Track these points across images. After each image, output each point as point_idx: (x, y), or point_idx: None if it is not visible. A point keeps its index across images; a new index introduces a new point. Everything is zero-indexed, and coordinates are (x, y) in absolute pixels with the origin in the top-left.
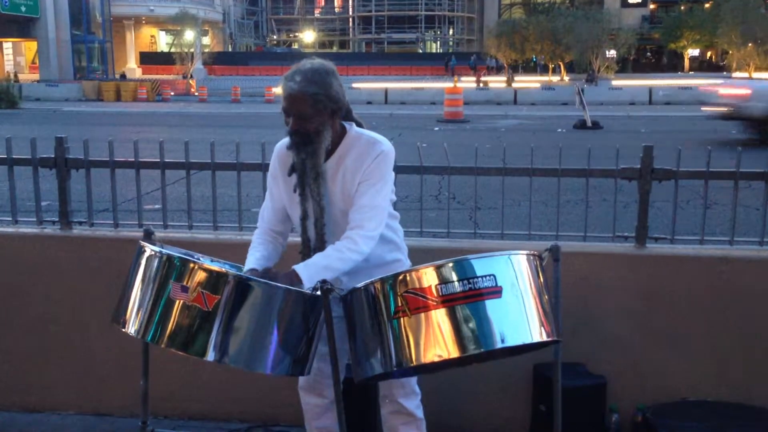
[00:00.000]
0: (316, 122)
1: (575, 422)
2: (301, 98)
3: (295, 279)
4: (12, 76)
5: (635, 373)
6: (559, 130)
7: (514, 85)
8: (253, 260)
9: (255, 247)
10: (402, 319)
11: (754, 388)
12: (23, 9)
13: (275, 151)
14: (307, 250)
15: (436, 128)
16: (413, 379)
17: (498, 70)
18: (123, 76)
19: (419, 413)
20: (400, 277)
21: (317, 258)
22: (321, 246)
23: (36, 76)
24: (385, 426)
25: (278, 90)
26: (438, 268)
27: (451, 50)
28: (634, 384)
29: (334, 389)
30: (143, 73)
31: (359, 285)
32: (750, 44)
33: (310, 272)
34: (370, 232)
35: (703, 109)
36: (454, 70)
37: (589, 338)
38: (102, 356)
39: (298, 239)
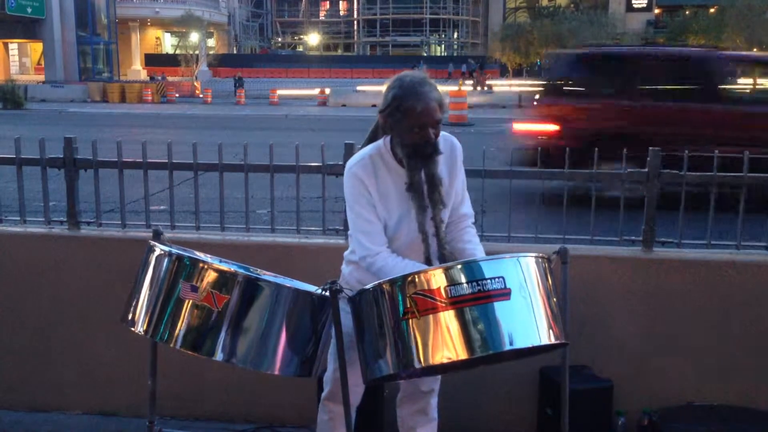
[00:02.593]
0: (440, 128)
1: (581, 425)
2: (439, 106)
3: None
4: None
5: (642, 376)
6: None
7: (515, 88)
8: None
9: (404, 259)
10: (411, 320)
11: (760, 392)
12: (29, 10)
13: (355, 170)
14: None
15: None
16: (440, 377)
17: (471, 73)
18: (152, 78)
19: (436, 413)
20: (409, 279)
21: (479, 249)
22: (443, 251)
23: (41, 77)
24: (402, 427)
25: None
26: (447, 270)
27: (455, 54)
28: (641, 387)
29: (342, 392)
30: (148, 75)
31: (368, 286)
32: (755, 49)
33: None
34: (473, 216)
35: None
36: None
37: (596, 341)
38: (109, 356)
39: (303, 241)
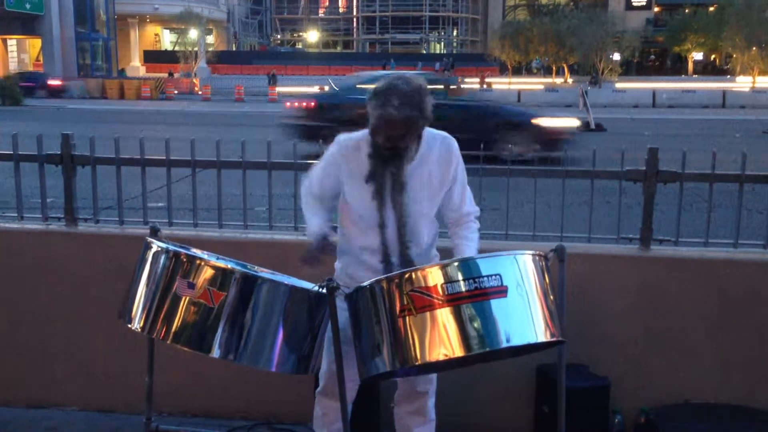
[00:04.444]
0: (408, 140)
1: (578, 424)
2: (398, 122)
3: None
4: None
5: (639, 374)
6: None
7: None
8: (319, 223)
9: (315, 211)
10: (407, 317)
11: (757, 391)
12: (28, 6)
13: (339, 143)
14: (386, 257)
15: None
16: (435, 377)
17: (444, 71)
18: (171, 74)
19: (433, 413)
20: (406, 276)
21: (470, 245)
22: (404, 251)
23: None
24: (398, 425)
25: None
26: (444, 267)
27: (455, 51)
28: (638, 386)
29: (339, 388)
30: (147, 71)
31: (365, 283)
32: (754, 48)
33: None
34: (478, 212)
35: None
36: None
37: (593, 339)
38: (107, 352)
39: (301, 238)
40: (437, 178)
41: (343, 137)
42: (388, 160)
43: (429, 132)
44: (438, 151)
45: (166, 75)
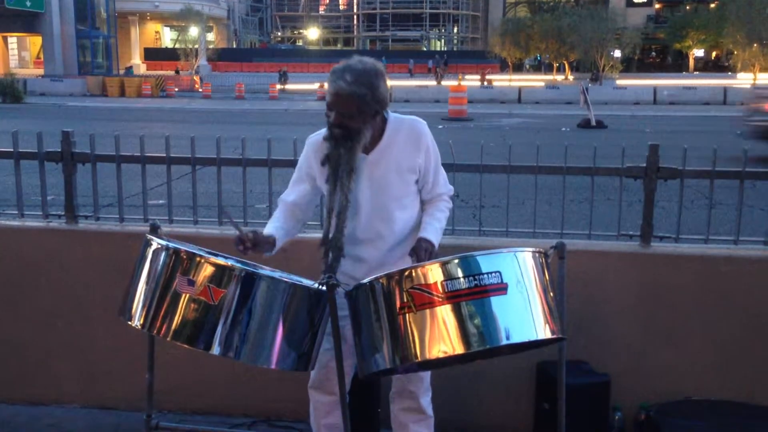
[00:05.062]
0: (359, 121)
1: (578, 420)
2: (348, 98)
3: (429, 245)
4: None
5: (639, 371)
6: (564, 129)
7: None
8: (272, 228)
9: (276, 217)
10: (407, 314)
11: (757, 387)
12: (28, 4)
13: (309, 144)
14: (325, 246)
15: (440, 126)
16: (428, 375)
17: (437, 68)
18: (177, 71)
19: (430, 411)
20: (406, 273)
21: (433, 222)
22: (338, 238)
23: (40, 71)
24: (394, 423)
25: (325, 86)
26: (444, 265)
27: (455, 48)
28: (638, 382)
29: (339, 385)
30: (147, 69)
31: (365, 281)
32: (755, 44)
33: (437, 235)
34: (451, 191)
35: None
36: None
37: (593, 336)
38: (107, 350)
39: (300, 235)
40: (405, 161)
41: (312, 136)
42: (340, 142)
43: (395, 117)
44: (405, 135)
45: (172, 72)
